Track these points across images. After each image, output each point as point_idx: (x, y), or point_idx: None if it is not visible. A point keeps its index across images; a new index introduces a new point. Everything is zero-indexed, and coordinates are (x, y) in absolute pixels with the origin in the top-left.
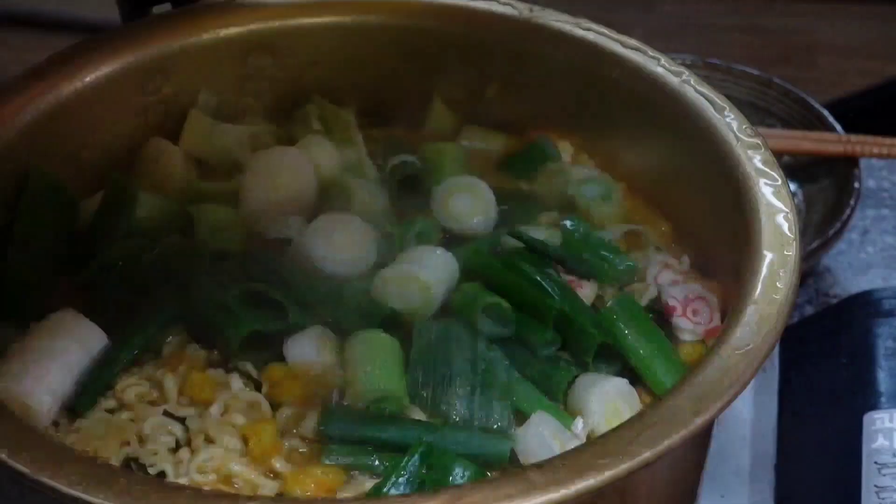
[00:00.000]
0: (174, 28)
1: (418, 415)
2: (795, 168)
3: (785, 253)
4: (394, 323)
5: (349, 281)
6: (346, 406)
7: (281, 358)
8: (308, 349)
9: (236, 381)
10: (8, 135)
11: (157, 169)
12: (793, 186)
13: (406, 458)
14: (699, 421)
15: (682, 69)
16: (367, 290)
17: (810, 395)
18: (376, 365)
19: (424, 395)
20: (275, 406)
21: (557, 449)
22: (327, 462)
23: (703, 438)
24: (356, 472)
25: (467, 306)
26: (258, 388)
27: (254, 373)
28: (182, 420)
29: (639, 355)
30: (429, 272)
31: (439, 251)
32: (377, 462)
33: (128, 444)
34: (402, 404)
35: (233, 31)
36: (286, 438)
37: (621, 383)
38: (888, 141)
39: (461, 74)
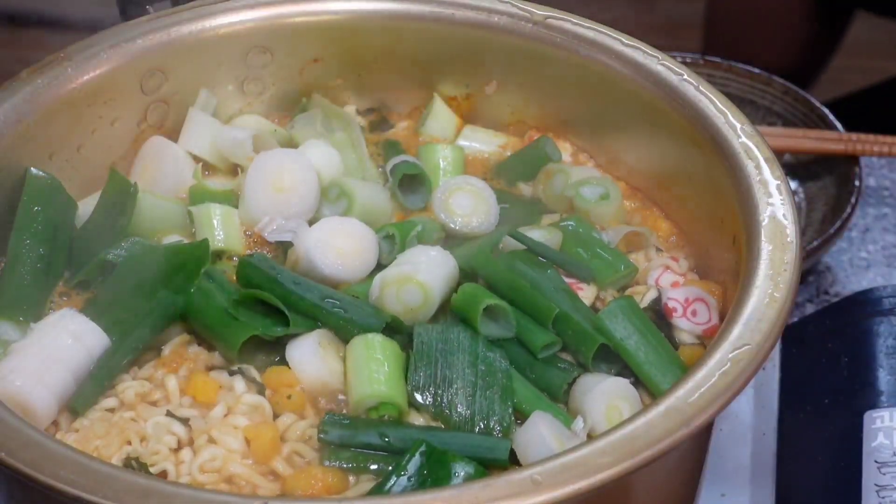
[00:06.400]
0: (173, 26)
1: (418, 420)
2: (796, 166)
3: (785, 251)
4: (395, 326)
5: (350, 285)
6: (344, 413)
7: (284, 361)
8: (310, 353)
9: (240, 384)
10: (8, 135)
11: (156, 169)
12: (793, 185)
13: (407, 458)
14: (699, 420)
15: (682, 68)
16: (367, 293)
17: (811, 394)
18: (376, 371)
19: (425, 397)
20: (277, 409)
21: (557, 448)
22: (327, 464)
23: (703, 438)
24: (355, 476)
25: (468, 307)
26: (261, 389)
27: (257, 376)
28: (184, 420)
29: (638, 357)
30: (427, 272)
31: (436, 251)
32: (376, 467)
33: (129, 443)
34: (401, 410)
35: (232, 29)
36: (287, 442)
37: (622, 383)
38: (889, 139)
39: (461, 75)
